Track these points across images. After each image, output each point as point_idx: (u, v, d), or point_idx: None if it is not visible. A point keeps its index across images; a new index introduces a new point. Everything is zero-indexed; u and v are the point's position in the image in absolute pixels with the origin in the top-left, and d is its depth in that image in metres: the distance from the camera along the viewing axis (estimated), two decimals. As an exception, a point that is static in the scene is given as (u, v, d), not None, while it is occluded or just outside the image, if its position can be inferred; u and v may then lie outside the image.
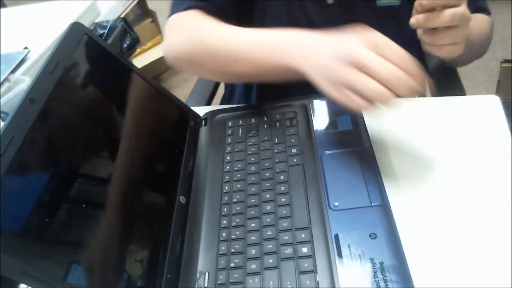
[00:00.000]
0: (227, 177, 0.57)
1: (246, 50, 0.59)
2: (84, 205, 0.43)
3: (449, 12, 0.53)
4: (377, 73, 0.45)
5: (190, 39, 0.64)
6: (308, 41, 0.53)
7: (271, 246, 0.48)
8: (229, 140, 0.62)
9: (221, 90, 0.97)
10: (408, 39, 0.53)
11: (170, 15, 0.68)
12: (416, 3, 0.55)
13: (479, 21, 0.76)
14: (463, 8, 0.55)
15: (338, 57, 0.47)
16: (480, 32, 0.74)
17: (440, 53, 0.58)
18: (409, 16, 0.59)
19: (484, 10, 0.79)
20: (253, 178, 0.56)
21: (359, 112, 0.54)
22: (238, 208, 0.53)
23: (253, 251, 0.48)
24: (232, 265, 0.48)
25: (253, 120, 0.64)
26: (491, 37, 0.80)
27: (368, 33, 0.48)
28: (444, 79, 0.82)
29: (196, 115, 0.68)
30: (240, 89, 0.85)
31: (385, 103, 0.45)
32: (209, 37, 0.62)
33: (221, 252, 0.49)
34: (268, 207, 0.52)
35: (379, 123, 0.58)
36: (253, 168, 0.57)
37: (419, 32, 0.59)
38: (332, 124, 0.61)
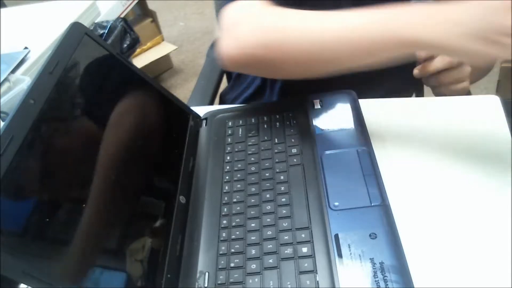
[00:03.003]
0: (227, 177, 0.57)
1: (349, 31, 0.51)
2: (84, 205, 0.43)
3: None
4: None
5: (266, 29, 0.55)
6: (432, 11, 0.47)
7: (271, 246, 0.48)
8: (229, 140, 0.62)
9: (221, 91, 0.97)
10: None
11: (222, 6, 0.59)
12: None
13: None
14: None
15: (496, 8, 0.43)
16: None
17: (449, 93, 0.61)
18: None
19: None
20: (253, 178, 0.56)
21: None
22: (238, 208, 0.53)
23: (253, 251, 0.48)
24: (232, 265, 0.48)
25: (253, 120, 0.64)
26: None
27: None
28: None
29: (196, 115, 0.68)
30: (252, 89, 0.84)
31: None
32: (294, 23, 0.54)
33: (221, 252, 0.49)
34: (268, 207, 0.52)
35: (379, 123, 0.58)
36: (253, 168, 0.57)
37: (424, 80, 0.63)
38: (332, 124, 0.61)
